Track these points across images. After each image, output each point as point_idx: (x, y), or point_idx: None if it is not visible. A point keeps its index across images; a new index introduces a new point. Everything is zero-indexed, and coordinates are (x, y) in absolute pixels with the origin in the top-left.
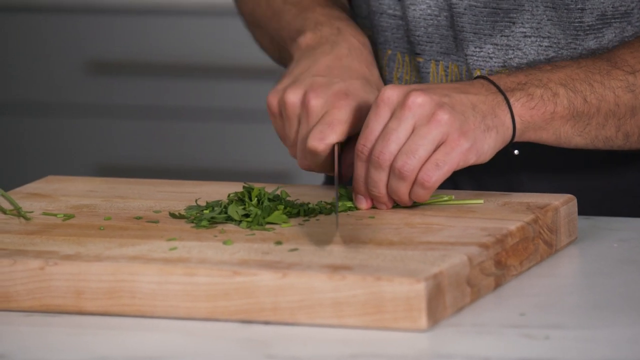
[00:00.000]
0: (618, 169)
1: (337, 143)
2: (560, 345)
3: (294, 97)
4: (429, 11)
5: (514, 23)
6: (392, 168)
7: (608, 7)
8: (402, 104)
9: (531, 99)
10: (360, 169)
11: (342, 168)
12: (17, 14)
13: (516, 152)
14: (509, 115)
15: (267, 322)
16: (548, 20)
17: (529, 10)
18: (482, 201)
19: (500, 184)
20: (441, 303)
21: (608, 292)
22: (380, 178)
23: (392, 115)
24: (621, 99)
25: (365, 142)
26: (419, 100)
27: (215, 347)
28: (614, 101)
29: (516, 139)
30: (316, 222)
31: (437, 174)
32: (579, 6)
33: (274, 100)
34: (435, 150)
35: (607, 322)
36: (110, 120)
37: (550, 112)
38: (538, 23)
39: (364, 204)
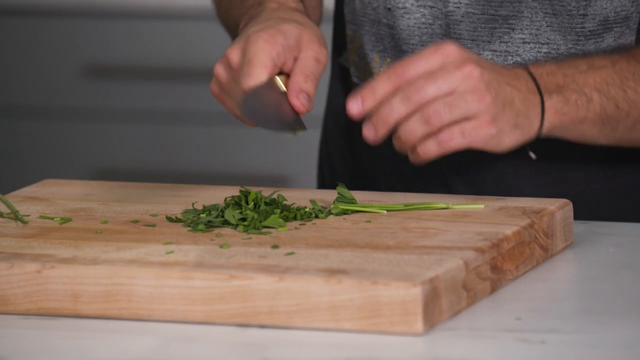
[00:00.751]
0: (613, 173)
1: (273, 77)
2: (556, 349)
3: (218, 66)
4: (423, 20)
5: (512, 29)
6: (423, 110)
7: (610, 12)
8: (457, 65)
9: (566, 104)
10: (382, 87)
11: (291, 101)
12: (14, 18)
13: (534, 156)
14: (539, 118)
15: (263, 326)
16: (547, 26)
17: (527, 16)
18: (482, 206)
19: (494, 187)
20: (437, 307)
21: (604, 297)
22: (400, 109)
23: (443, 68)
24: None
25: (406, 68)
26: (474, 73)
27: (212, 350)
28: None
29: (542, 136)
30: (312, 225)
31: (458, 142)
32: (581, 12)
33: (212, 85)
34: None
35: (603, 327)
36: (108, 124)
37: (582, 118)
38: (537, 29)
39: (357, 106)
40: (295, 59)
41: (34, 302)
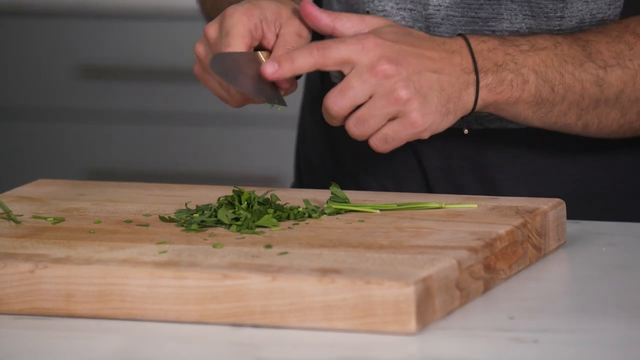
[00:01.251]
0: (597, 173)
1: (256, 53)
2: (549, 349)
3: (198, 45)
4: (402, 22)
5: (492, 32)
6: (345, 122)
7: (586, 14)
8: (371, 67)
9: (500, 83)
10: (304, 58)
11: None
12: (8, 19)
13: (466, 131)
14: (473, 97)
15: (256, 326)
16: (527, 28)
17: (507, 18)
18: (475, 205)
19: (477, 186)
20: (430, 306)
21: (597, 296)
22: (333, 122)
23: (357, 69)
24: (587, 92)
25: (329, 54)
26: (389, 72)
27: (205, 350)
28: (580, 93)
29: (474, 113)
30: (306, 225)
31: (384, 147)
32: (558, 14)
33: (195, 66)
34: (390, 120)
35: (596, 326)
36: (102, 125)
37: (516, 98)
38: (517, 31)
39: (270, 68)
40: (277, 36)
41: (27, 302)
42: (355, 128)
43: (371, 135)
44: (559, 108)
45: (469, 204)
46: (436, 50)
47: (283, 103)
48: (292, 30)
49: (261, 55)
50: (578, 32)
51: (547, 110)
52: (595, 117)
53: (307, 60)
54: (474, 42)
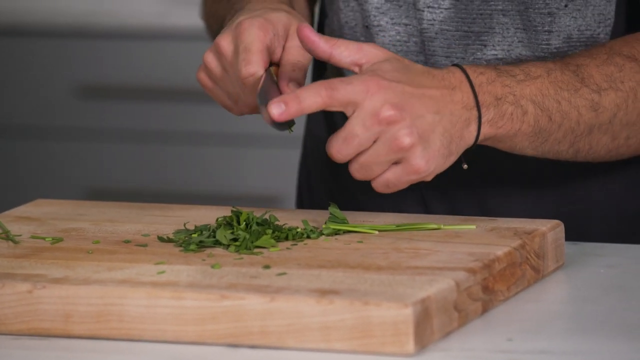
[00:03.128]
0: (593, 194)
1: (268, 69)
2: None
3: (207, 55)
4: (398, 37)
5: (485, 46)
6: (348, 165)
7: (573, 30)
8: (375, 113)
9: (501, 117)
10: (311, 99)
11: (282, 90)
12: (7, 38)
13: (465, 166)
14: (474, 134)
15: (254, 346)
16: (519, 42)
17: (499, 32)
18: (474, 226)
19: (473, 206)
20: (429, 328)
21: (595, 318)
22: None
23: (358, 114)
24: (583, 118)
25: (336, 96)
26: (393, 118)
27: None
28: (576, 119)
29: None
30: (304, 246)
31: (386, 191)
32: (546, 28)
33: (199, 74)
34: (392, 165)
35: (594, 348)
36: (100, 144)
37: (515, 131)
38: (509, 45)
39: (277, 109)
40: (283, 48)
41: (25, 322)
42: (358, 173)
43: (374, 179)
44: (554, 136)
45: (467, 225)
46: (437, 88)
47: (293, 121)
48: (298, 43)
49: (272, 71)
50: (566, 56)
51: (543, 139)
52: (587, 143)
53: (315, 100)
54: (473, 74)
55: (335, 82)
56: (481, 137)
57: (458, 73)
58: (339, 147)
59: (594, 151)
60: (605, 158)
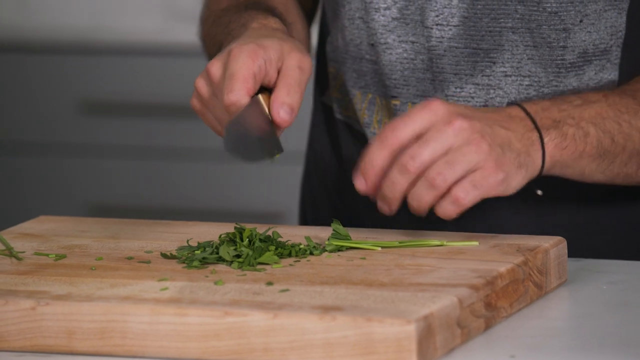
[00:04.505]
0: (598, 211)
1: (255, 96)
2: None
3: (199, 80)
4: (405, 55)
5: (494, 63)
6: (425, 175)
7: (589, 45)
8: (446, 121)
9: (564, 139)
10: (377, 155)
11: (273, 115)
12: (8, 54)
13: (539, 192)
14: (540, 154)
15: None
16: (528, 59)
17: (509, 49)
18: (477, 243)
19: (481, 223)
20: (432, 344)
21: (597, 335)
22: (400, 181)
23: (433, 127)
24: None
25: (398, 134)
26: (465, 125)
27: None
28: (639, 140)
29: (542, 174)
30: (307, 262)
31: (472, 194)
32: (561, 44)
33: (193, 100)
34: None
35: None
36: (102, 160)
37: (580, 152)
38: (518, 62)
39: (364, 186)
40: (278, 71)
41: (29, 339)
42: (440, 174)
43: (456, 184)
44: (620, 158)
45: (470, 242)
46: (496, 112)
47: (280, 149)
48: (294, 64)
49: (261, 99)
50: (622, 85)
51: (609, 161)
52: None
53: (382, 154)
54: (527, 105)
55: (394, 124)
56: (548, 159)
57: (513, 107)
58: (413, 152)
59: None
60: None
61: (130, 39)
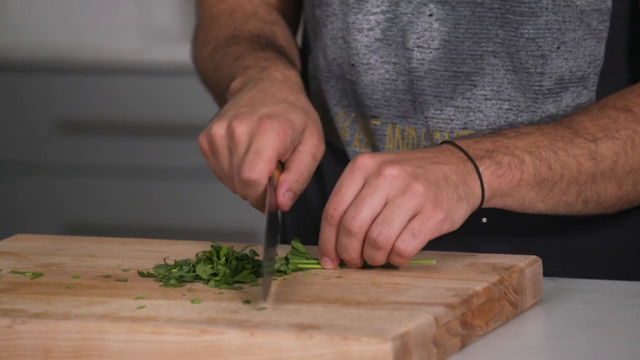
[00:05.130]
0: (574, 232)
1: (271, 180)
2: None
3: (219, 130)
4: (387, 76)
5: (475, 86)
6: (367, 237)
7: (565, 71)
8: (377, 174)
9: (499, 167)
10: (328, 233)
11: (277, 197)
12: None
13: (484, 220)
14: (478, 184)
15: None
16: (508, 83)
17: (489, 73)
18: (434, 261)
19: (458, 244)
20: None
21: (573, 353)
22: (350, 244)
23: (366, 183)
24: (583, 167)
25: (337, 206)
26: (395, 172)
27: None
28: (577, 168)
29: (483, 206)
30: (284, 281)
31: (413, 244)
32: (539, 70)
33: (203, 139)
34: (409, 221)
35: None
36: (79, 179)
37: (517, 180)
38: (499, 86)
39: (330, 264)
40: (294, 150)
41: (5, 357)
42: (379, 234)
43: (397, 237)
44: (559, 186)
45: (427, 260)
46: (426, 151)
47: (267, 294)
48: (309, 150)
49: (274, 176)
50: (559, 120)
51: (548, 190)
52: (594, 192)
53: (333, 230)
54: (457, 141)
55: (331, 200)
56: (486, 187)
57: (443, 144)
58: (353, 213)
59: (603, 200)
60: (617, 207)
61: (108, 58)
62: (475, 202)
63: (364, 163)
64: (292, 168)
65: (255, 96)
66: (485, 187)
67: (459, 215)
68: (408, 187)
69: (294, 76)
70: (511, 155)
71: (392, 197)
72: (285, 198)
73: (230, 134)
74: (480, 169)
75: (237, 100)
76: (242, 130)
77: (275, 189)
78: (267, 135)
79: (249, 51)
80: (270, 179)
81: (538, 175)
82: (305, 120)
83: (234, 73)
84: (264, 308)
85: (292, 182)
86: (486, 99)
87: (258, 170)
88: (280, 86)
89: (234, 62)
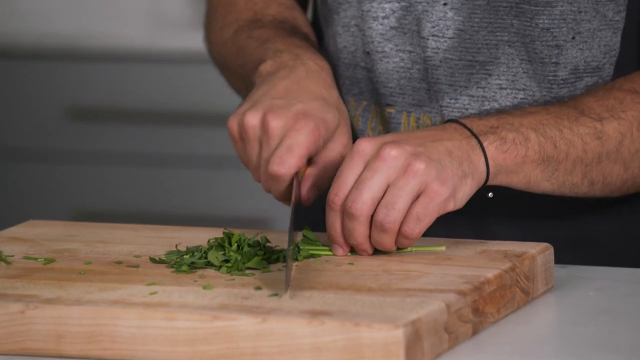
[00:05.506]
0: (586, 220)
1: (297, 174)
2: None
3: (253, 120)
4: (402, 64)
5: (490, 75)
6: (373, 221)
7: (580, 62)
8: (376, 156)
9: (504, 142)
10: (332, 219)
11: (301, 192)
12: None
13: (490, 194)
14: (482, 160)
15: None
16: (524, 72)
17: (504, 62)
18: (443, 248)
19: (471, 230)
20: (419, 349)
21: (584, 341)
22: (354, 227)
23: (366, 167)
24: (589, 146)
25: (338, 192)
26: (394, 153)
27: None
28: (582, 148)
29: (488, 183)
30: (295, 267)
31: (419, 227)
32: (553, 60)
33: (233, 124)
34: (415, 200)
35: None
36: (90, 166)
37: (522, 156)
38: (514, 75)
39: (340, 251)
40: (324, 146)
41: (17, 342)
42: (385, 217)
43: (403, 221)
44: (564, 166)
45: (437, 247)
46: (427, 129)
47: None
48: (338, 149)
49: (301, 170)
50: (565, 100)
51: (553, 168)
52: (600, 173)
53: (338, 217)
54: (460, 118)
55: (333, 187)
56: (490, 162)
57: (447, 123)
58: (353, 197)
59: (609, 182)
60: (623, 190)
61: (117, 46)
62: (480, 178)
63: (362, 147)
64: (319, 164)
65: (290, 87)
66: (490, 162)
67: (463, 192)
68: (409, 167)
69: (327, 67)
70: (516, 132)
71: (394, 179)
72: (309, 193)
73: (265, 126)
74: (484, 144)
75: (270, 87)
76: (276, 124)
77: (299, 183)
78: (301, 133)
79: (277, 35)
80: (297, 172)
81: (543, 153)
82: (338, 119)
83: (263, 56)
84: (276, 294)
85: (317, 178)
86: (501, 88)
87: (287, 165)
88: (315, 78)
89: (261, 45)
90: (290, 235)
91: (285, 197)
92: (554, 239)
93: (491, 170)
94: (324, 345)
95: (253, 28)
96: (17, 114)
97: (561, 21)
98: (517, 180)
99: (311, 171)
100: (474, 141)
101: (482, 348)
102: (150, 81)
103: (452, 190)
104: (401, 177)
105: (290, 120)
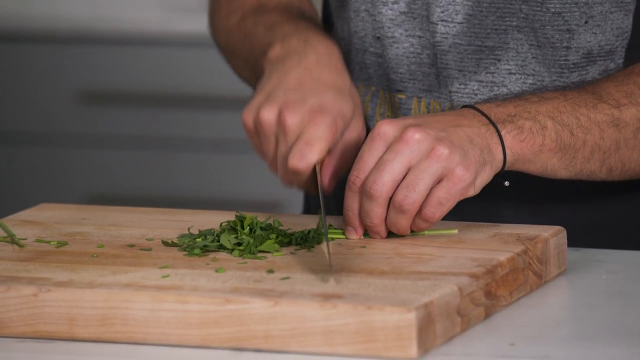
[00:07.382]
0: (599, 203)
1: (318, 163)
2: None
3: (269, 115)
4: (411, 49)
5: (499, 60)
6: (392, 202)
7: (594, 46)
8: (399, 139)
9: (521, 131)
10: (351, 200)
11: (322, 182)
12: (7, 44)
13: (507, 183)
14: (500, 148)
15: (258, 350)
16: (533, 58)
17: (514, 48)
18: (456, 231)
19: (480, 213)
20: (431, 332)
21: (597, 324)
22: (372, 208)
23: (388, 149)
24: (606, 133)
25: (359, 173)
26: (417, 136)
27: None
28: (599, 135)
29: (504, 170)
30: (308, 251)
31: (440, 210)
32: (565, 45)
33: (249, 118)
34: (436, 184)
35: (595, 354)
36: (102, 150)
37: (539, 145)
38: (523, 61)
39: (354, 234)
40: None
41: (30, 325)
42: (405, 198)
43: (425, 204)
44: (582, 153)
45: (450, 230)
46: (446, 114)
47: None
48: (354, 137)
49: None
50: (584, 85)
51: (571, 156)
52: (618, 160)
53: (356, 198)
54: (478, 104)
55: (355, 168)
56: (507, 151)
57: (463, 108)
58: (374, 177)
59: (628, 169)
60: None
61: (129, 29)
62: (497, 167)
63: (384, 130)
64: (338, 153)
65: (302, 77)
66: (507, 152)
67: (482, 179)
68: (432, 151)
69: (336, 51)
70: (533, 121)
71: (416, 162)
72: (332, 184)
73: (281, 123)
74: (502, 133)
75: (282, 77)
76: (293, 120)
77: (319, 172)
78: (320, 127)
79: (283, 20)
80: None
81: (560, 141)
82: (353, 109)
83: (271, 41)
84: (288, 277)
85: (337, 167)
86: (510, 74)
87: (307, 160)
88: (326, 65)
89: (268, 30)
90: (324, 222)
91: (306, 187)
92: (566, 223)
93: (508, 159)
94: (336, 328)
95: (259, 14)
96: (29, 98)
97: (573, 5)
98: (534, 168)
99: (330, 160)
100: (492, 129)
101: (494, 331)
102: (162, 65)
103: (474, 177)
104: (424, 160)
105: (307, 115)
